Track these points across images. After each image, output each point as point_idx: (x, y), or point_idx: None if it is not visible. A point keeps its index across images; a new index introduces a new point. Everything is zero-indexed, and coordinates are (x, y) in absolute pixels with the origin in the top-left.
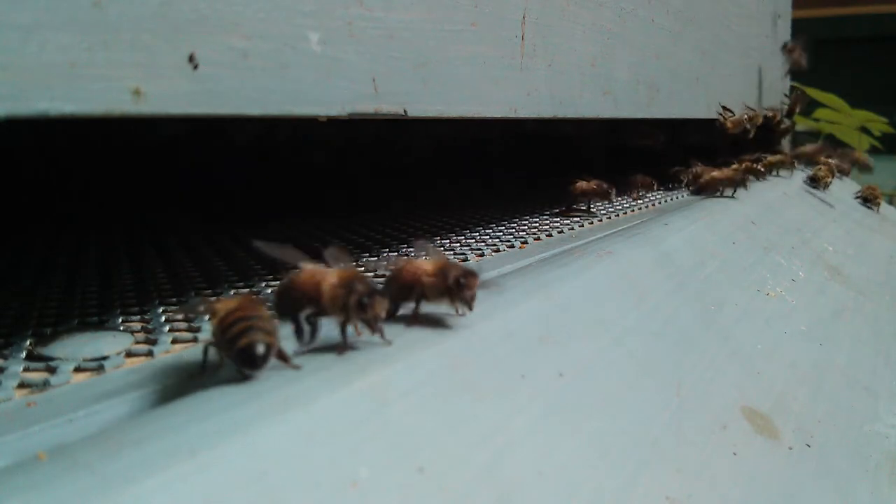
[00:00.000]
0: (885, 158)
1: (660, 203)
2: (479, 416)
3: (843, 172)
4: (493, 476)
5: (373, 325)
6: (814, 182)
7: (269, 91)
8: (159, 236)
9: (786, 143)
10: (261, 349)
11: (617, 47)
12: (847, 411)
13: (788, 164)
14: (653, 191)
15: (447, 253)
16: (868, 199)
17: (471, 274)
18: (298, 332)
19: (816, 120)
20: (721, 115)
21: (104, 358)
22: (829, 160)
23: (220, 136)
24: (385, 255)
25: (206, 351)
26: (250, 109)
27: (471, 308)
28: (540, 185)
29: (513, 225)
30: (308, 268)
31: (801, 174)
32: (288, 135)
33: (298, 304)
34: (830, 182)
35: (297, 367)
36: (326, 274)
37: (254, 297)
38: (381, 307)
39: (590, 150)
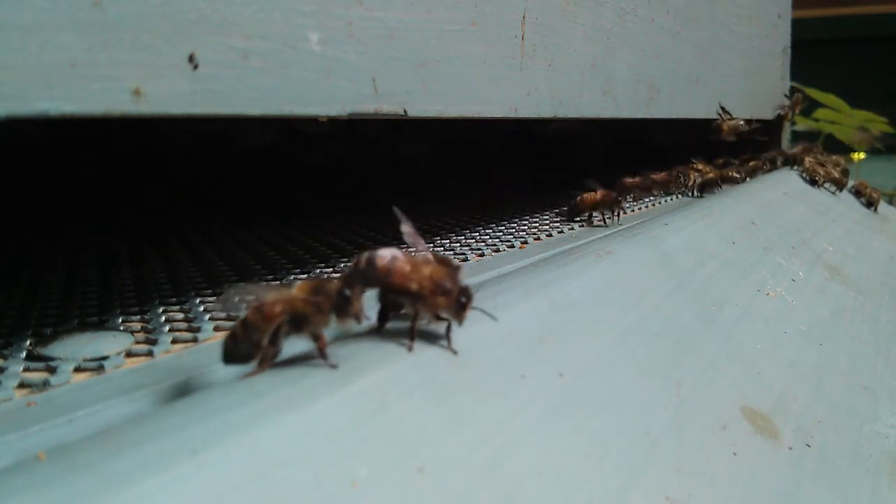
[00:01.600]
0: (885, 158)
1: (659, 203)
2: (479, 416)
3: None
4: (493, 476)
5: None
6: (814, 184)
7: (269, 91)
8: (159, 236)
9: (785, 142)
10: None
11: (617, 47)
12: (847, 411)
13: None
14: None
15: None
16: (861, 194)
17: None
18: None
19: (816, 120)
20: (720, 114)
21: (104, 358)
22: (818, 161)
23: (220, 135)
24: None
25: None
26: (250, 109)
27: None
28: (539, 185)
29: (513, 225)
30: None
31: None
32: (288, 134)
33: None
34: (841, 182)
35: (333, 366)
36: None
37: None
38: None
39: (589, 149)
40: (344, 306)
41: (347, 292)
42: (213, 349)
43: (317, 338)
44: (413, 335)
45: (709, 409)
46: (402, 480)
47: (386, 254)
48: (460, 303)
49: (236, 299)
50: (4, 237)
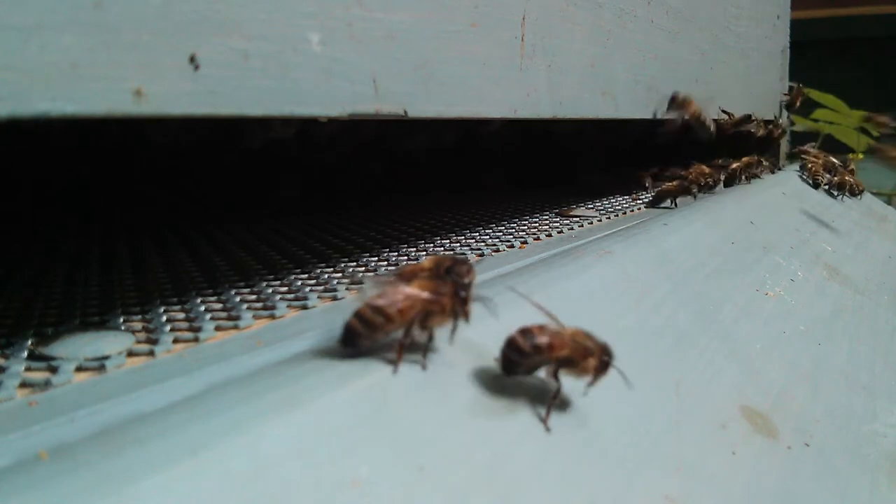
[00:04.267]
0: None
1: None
2: (478, 416)
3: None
4: (494, 475)
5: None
6: (816, 186)
7: (269, 92)
8: (160, 236)
9: (784, 143)
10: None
11: (616, 48)
12: (845, 411)
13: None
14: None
15: (446, 254)
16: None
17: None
18: None
19: (815, 120)
20: (725, 114)
21: (106, 357)
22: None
23: (220, 135)
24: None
25: None
26: (251, 110)
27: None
28: (540, 185)
29: (513, 225)
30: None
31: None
32: (287, 134)
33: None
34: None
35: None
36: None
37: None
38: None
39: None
40: (459, 307)
41: (463, 294)
42: (214, 349)
43: (431, 337)
44: (548, 411)
45: (708, 408)
46: (402, 480)
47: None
48: (603, 362)
49: (374, 292)
50: (5, 237)
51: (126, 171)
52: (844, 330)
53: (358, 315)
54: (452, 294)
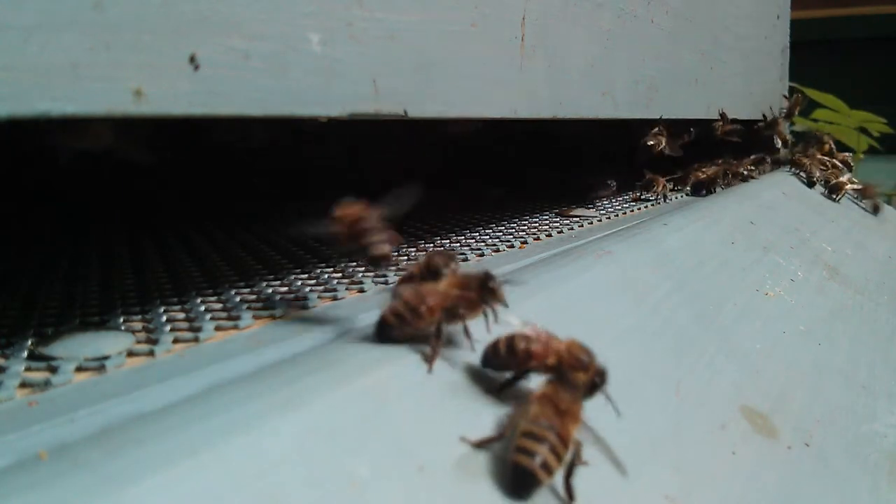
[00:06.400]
0: (885, 159)
1: (658, 203)
2: (479, 416)
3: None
4: (493, 476)
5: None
6: (812, 185)
7: (269, 92)
8: (160, 236)
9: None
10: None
11: (616, 48)
12: (845, 411)
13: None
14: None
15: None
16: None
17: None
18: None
19: (815, 120)
20: (722, 116)
21: (105, 357)
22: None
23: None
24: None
25: None
26: (251, 110)
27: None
28: (539, 185)
29: (513, 225)
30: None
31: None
32: (286, 133)
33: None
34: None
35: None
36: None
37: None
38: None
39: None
40: (489, 297)
41: (491, 284)
42: (214, 349)
43: (466, 329)
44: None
45: (708, 408)
46: (402, 480)
47: (523, 334)
48: (594, 383)
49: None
50: (5, 237)
51: (127, 172)
52: (844, 330)
53: (392, 312)
54: (479, 287)
